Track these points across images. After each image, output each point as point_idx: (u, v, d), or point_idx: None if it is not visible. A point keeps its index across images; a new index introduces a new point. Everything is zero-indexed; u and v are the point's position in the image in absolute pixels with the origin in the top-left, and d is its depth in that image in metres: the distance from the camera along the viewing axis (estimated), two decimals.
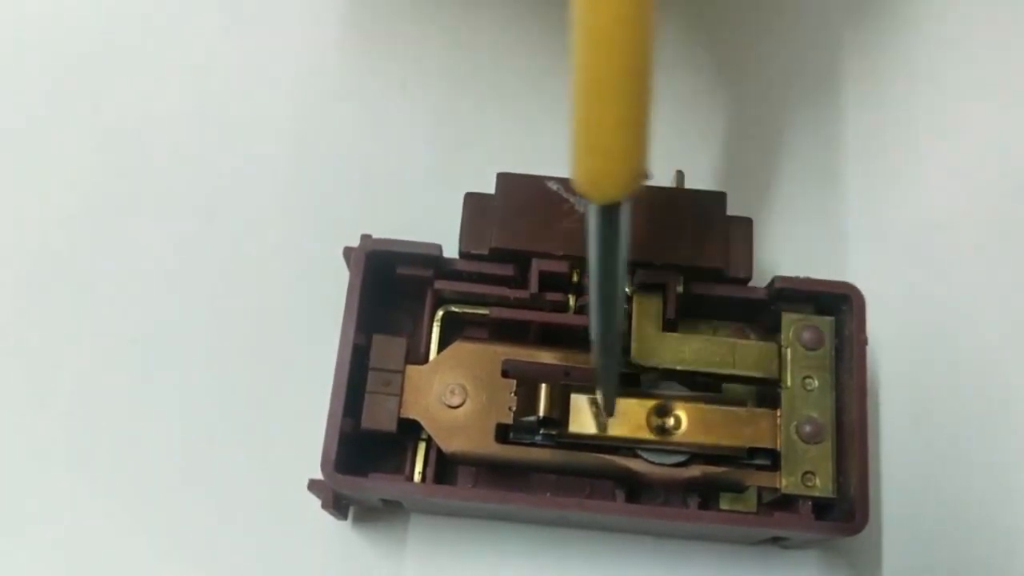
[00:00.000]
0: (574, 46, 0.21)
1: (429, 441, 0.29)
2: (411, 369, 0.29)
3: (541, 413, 0.28)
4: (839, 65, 0.36)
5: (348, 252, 0.30)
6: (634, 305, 0.29)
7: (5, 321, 0.33)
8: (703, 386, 0.30)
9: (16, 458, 0.32)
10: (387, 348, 0.29)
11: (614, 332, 0.26)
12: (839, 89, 0.36)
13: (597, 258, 0.24)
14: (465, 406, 0.29)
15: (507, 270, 0.30)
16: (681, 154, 0.32)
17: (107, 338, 0.33)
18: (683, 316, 0.30)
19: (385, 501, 0.30)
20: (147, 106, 0.36)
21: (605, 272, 0.24)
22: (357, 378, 0.29)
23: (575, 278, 0.30)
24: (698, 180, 0.31)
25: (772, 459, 0.29)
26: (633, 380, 0.30)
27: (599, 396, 0.28)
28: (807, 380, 0.29)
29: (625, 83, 0.21)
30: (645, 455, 0.29)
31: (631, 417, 0.29)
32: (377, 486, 0.28)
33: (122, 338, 0.33)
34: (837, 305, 0.29)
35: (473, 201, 0.30)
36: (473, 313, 0.30)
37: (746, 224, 0.30)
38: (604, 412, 0.28)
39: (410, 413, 0.29)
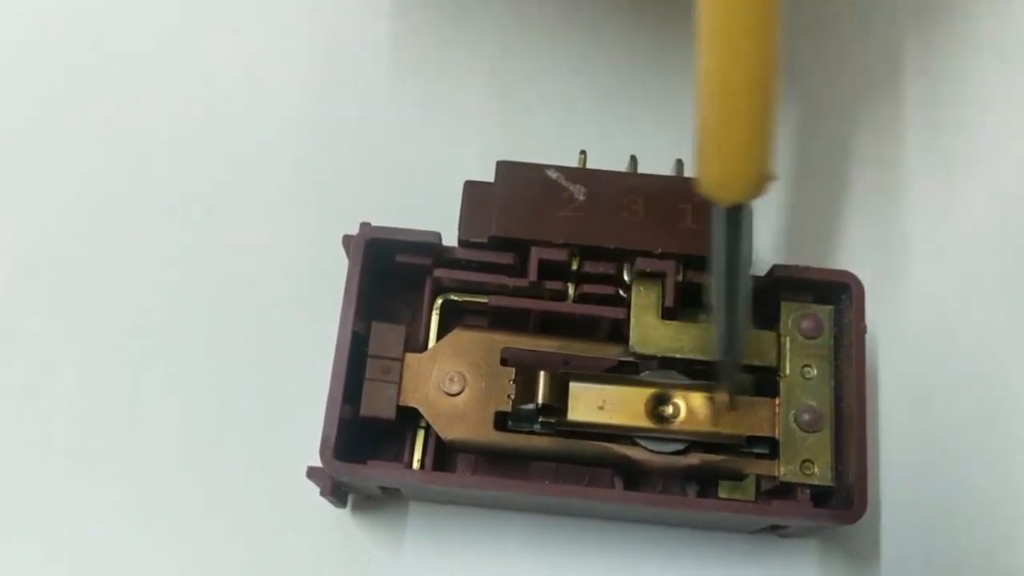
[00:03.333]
0: (702, 51, 0.21)
1: (428, 429, 0.29)
2: (410, 357, 0.29)
3: (540, 401, 0.28)
4: (839, 53, 0.36)
5: (347, 240, 0.30)
6: (632, 294, 0.29)
7: (3, 310, 0.33)
8: (702, 374, 0.29)
9: (13, 446, 0.32)
10: (386, 336, 0.29)
11: (737, 332, 0.26)
12: (838, 77, 0.36)
13: (721, 259, 0.24)
14: (464, 394, 0.29)
15: (506, 258, 0.30)
16: (680, 143, 0.32)
17: (105, 327, 0.33)
18: (682, 305, 0.30)
19: (384, 489, 0.30)
20: (146, 95, 0.36)
21: (728, 273, 0.24)
22: (356, 366, 0.29)
23: (574, 266, 0.29)
24: None
25: (771, 447, 0.29)
26: (632, 368, 0.30)
27: (719, 390, 0.28)
28: (806, 368, 0.29)
29: (754, 86, 0.22)
30: (644, 443, 0.29)
31: (629, 405, 0.29)
32: (376, 473, 0.28)
33: (121, 327, 0.33)
34: (836, 294, 0.29)
35: (472, 189, 0.30)
36: (472, 301, 0.30)
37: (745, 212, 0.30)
38: (727, 393, 0.28)
39: (409, 401, 0.29)
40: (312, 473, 0.29)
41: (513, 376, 0.29)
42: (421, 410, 0.29)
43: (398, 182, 0.34)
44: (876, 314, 0.30)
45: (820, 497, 0.28)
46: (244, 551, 0.31)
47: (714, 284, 0.25)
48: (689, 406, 0.29)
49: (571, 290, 0.30)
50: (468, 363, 0.29)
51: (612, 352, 0.30)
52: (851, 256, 0.34)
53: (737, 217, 0.23)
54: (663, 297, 0.29)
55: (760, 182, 0.22)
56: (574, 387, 0.29)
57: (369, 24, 0.37)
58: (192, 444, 0.32)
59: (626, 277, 0.29)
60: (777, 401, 0.29)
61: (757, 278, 0.30)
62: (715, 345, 0.27)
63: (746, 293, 0.25)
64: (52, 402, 0.32)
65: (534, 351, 0.30)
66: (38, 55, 0.36)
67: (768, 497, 0.29)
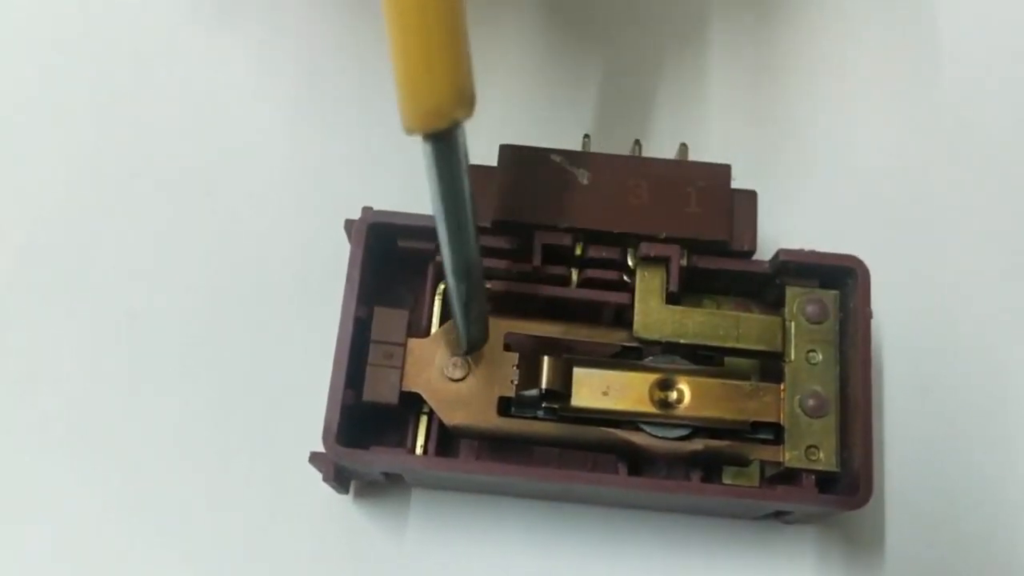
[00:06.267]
0: None
1: (431, 414, 0.29)
2: (413, 342, 0.29)
3: (544, 386, 0.28)
4: (850, 40, 0.36)
5: (349, 225, 0.30)
6: (636, 279, 0.29)
7: (1, 296, 0.33)
8: (706, 360, 0.29)
9: (12, 431, 0.32)
10: (389, 321, 0.29)
11: (469, 262, 0.25)
12: (845, 63, 0.36)
13: (437, 192, 0.23)
14: (467, 379, 0.29)
15: (510, 243, 0.29)
16: (685, 126, 0.32)
17: (104, 313, 0.33)
18: (686, 289, 0.29)
19: (387, 475, 0.30)
20: (145, 81, 0.35)
21: (449, 205, 0.24)
22: (358, 351, 0.29)
23: (578, 251, 0.29)
24: (702, 152, 0.30)
25: (775, 433, 0.29)
26: (636, 354, 0.29)
27: (457, 329, 0.28)
28: (811, 354, 0.29)
29: (429, 12, 0.21)
30: (648, 429, 0.29)
31: (633, 391, 0.29)
32: (378, 459, 0.28)
33: (120, 313, 0.33)
34: (842, 278, 0.29)
35: (475, 173, 0.29)
36: None
37: (750, 197, 0.30)
38: (461, 348, 0.28)
39: (412, 386, 0.29)
40: (314, 459, 0.29)
41: (516, 361, 0.29)
42: (424, 395, 0.29)
43: (400, 166, 0.34)
44: (881, 299, 0.29)
45: (825, 483, 0.28)
46: (246, 537, 0.31)
47: (436, 219, 0.24)
48: (693, 391, 0.29)
49: (575, 275, 0.30)
50: None
51: (616, 337, 0.30)
52: (856, 241, 0.33)
53: (443, 146, 0.22)
54: (667, 282, 0.29)
55: (454, 107, 0.21)
56: (578, 372, 0.29)
57: (368, 8, 0.36)
58: (193, 430, 0.32)
59: (630, 262, 0.29)
60: (782, 387, 0.29)
61: (762, 262, 0.30)
62: (447, 283, 0.26)
63: (472, 224, 0.24)
64: (51, 387, 0.32)
65: (537, 336, 0.30)
66: (37, 40, 0.36)
67: (773, 483, 0.29)
